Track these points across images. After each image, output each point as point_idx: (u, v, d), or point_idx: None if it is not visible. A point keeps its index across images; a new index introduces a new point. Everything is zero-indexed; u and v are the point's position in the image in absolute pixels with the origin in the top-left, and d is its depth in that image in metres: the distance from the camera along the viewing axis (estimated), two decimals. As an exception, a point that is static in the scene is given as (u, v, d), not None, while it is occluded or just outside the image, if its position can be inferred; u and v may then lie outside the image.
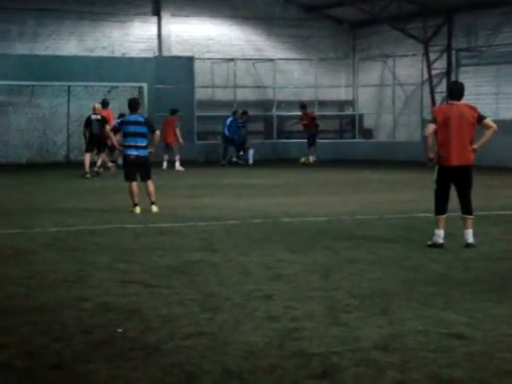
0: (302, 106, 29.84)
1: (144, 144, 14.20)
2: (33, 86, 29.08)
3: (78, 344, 5.88)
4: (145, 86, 29.94)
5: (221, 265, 9.06)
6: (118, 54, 30.87)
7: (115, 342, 5.94)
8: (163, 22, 31.66)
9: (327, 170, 25.76)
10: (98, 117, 22.67)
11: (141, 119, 14.38)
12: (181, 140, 26.58)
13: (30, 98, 29.17)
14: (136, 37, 31.45)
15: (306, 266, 8.94)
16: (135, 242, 10.82)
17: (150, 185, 14.20)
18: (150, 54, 31.11)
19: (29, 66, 28.49)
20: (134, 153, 14.12)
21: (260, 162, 28.15)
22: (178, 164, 26.17)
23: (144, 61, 30.40)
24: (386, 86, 33.10)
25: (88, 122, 22.87)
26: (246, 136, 28.81)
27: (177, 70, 30.37)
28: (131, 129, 14.15)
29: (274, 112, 33.14)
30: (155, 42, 31.67)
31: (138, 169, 14.23)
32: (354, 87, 34.81)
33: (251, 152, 28.42)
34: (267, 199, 16.50)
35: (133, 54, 30.95)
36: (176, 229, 12.09)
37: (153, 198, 14.19)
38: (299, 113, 30.10)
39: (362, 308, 6.96)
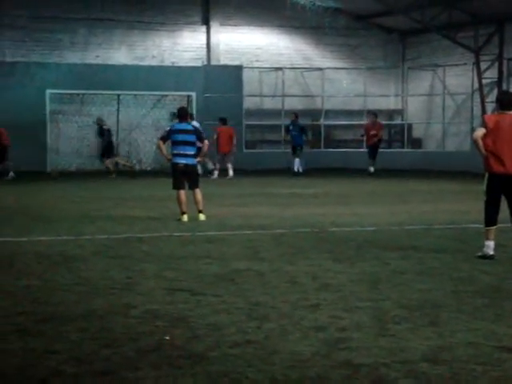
0: (374, 113, 29.10)
1: (192, 152, 14.28)
2: (83, 94, 29.43)
3: (126, 351, 5.91)
4: (193, 94, 30.13)
5: (268, 274, 9.04)
6: (167, 63, 31.12)
7: (162, 349, 5.96)
8: (212, 31, 31.84)
9: (375, 180, 25.62)
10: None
11: (190, 127, 14.47)
12: (234, 149, 26.76)
13: (81, 107, 29.54)
14: (185, 46, 31.67)
15: (353, 276, 8.88)
16: (183, 249, 10.86)
17: (198, 193, 14.28)
18: (198, 63, 31.29)
19: (79, 74, 28.90)
20: (182, 161, 14.19)
21: (307, 171, 28.10)
22: (231, 172, 26.28)
23: (193, 70, 30.59)
24: (436, 96, 32.86)
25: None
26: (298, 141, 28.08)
27: (225, 78, 30.50)
28: (180, 137, 14.20)
29: (322, 121, 33.07)
30: (204, 51, 31.85)
31: (186, 177, 14.28)
32: (403, 96, 34.62)
33: (297, 160, 28.14)
34: (314, 208, 16.45)
35: (182, 63, 31.17)
36: (223, 237, 12.11)
37: (200, 207, 14.24)
38: (364, 122, 29.68)
39: (411, 319, 6.88)
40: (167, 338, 6.26)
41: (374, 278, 8.78)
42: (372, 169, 27.90)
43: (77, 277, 8.80)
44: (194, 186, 14.32)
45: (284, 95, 32.45)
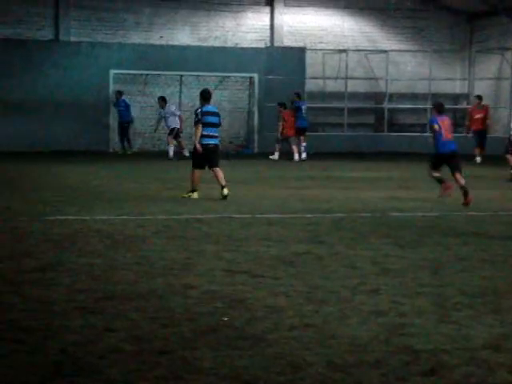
0: (479, 96, 27.32)
1: (217, 134, 14.86)
2: (146, 75, 29.62)
3: (185, 331, 5.93)
4: (255, 76, 30.10)
5: (327, 257, 8.98)
6: (230, 44, 31.12)
7: (221, 330, 5.96)
8: (276, 12, 31.70)
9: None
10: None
11: (216, 110, 15.11)
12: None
13: (143, 87, 29.73)
14: (248, 27, 31.61)
15: (414, 262, 8.77)
16: (242, 231, 10.86)
17: (220, 171, 14.62)
18: (261, 45, 31.22)
19: (143, 55, 29.08)
20: (212, 142, 14.69)
21: (370, 155, 27.87)
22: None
23: (255, 51, 30.54)
24: (504, 80, 32.22)
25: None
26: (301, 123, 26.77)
27: (288, 60, 30.38)
28: (211, 119, 14.67)
29: (386, 105, 32.74)
30: (267, 32, 31.75)
31: (211, 157, 14.66)
32: (469, 80, 34.05)
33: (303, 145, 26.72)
34: (376, 192, 16.31)
35: (245, 45, 31.13)
36: (283, 220, 12.08)
37: (223, 182, 14.53)
38: (464, 106, 28.61)
39: (473, 306, 6.77)
40: (225, 319, 6.26)
41: (436, 263, 8.66)
42: (479, 159, 25.86)
43: (137, 256, 8.86)
44: (216, 164, 14.73)
45: (347, 77, 32.18)
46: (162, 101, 26.57)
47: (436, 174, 15.06)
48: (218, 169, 14.64)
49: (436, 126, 14.81)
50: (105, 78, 28.59)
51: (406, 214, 12.91)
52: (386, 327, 6.07)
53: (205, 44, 30.71)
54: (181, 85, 30.05)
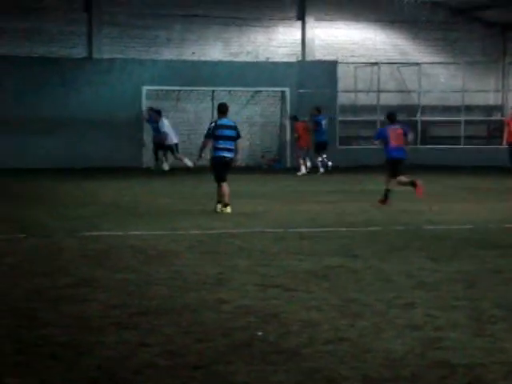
0: None
1: (233, 147, 14.83)
2: (179, 90, 29.76)
3: (219, 345, 5.92)
4: (287, 90, 30.11)
5: (361, 271, 8.94)
6: (261, 58, 31.18)
7: (255, 344, 5.95)
8: (307, 26, 31.73)
9: (473, 177, 25.10)
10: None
11: (232, 123, 15.05)
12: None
13: (176, 103, 29.86)
14: (280, 41, 31.67)
15: (448, 275, 8.70)
16: (275, 245, 10.85)
17: (226, 186, 14.65)
18: (293, 59, 31.24)
19: (175, 71, 29.21)
20: (227, 155, 14.78)
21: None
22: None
23: (287, 65, 30.56)
24: (538, 91, 31.94)
25: None
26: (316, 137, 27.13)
27: (320, 74, 30.35)
28: (226, 132, 14.76)
29: (419, 117, 32.60)
30: (299, 46, 31.78)
31: (225, 169, 14.78)
32: (503, 92, 33.81)
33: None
34: (409, 205, 16.21)
35: (276, 59, 31.17)
36: (316, 234, 12.05)
37: (227, 199, 14.60)
38: (498, 117, 28.11)
39: (508, 319, 6.70)
40: (259, 333, 6.25)
41: (471, 276, 8.59)
42: None
43: (170, 271, 8.89)
44: (226, 178, 14.75)
45: (379, 91, 32.10)
46: (157, 114, 27.10)
47: (404, 180, 16.53)
48: (226, 183, 14.70)
49: (378, 141, 17.03)
50: (137, 95, 28.77)
51: (440, 227, 12.82)
52: (422, 341, 6.02)
53: (236, 59, 30.80)
54: (213, 100, 30.12)
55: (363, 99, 32.59)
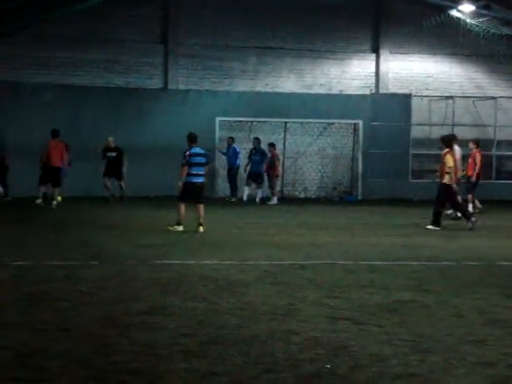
0: None
1: (204, 172, 16.90)
2: (252, 121, 29.96)
3: (287, 377, 5.91)
4: (360, 122, 30.05)
5: (433, 306, 8.82)
6: (334, 91, 31.20)
7: (323, 377, 5.92)
8: (381, 59, 31.67)
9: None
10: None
11: (203, 151, 17.06)
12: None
13: (249, 134, 30.05)
14: (353, 74, 31.66)
15: (523, 312, 8.52)
16: (345, 278, 10.79)
17: (202, 208, 16.59)
18: (366, 91, 31.19)
19: (248, 102, 29.44)
20: (200, 180, 16.81)
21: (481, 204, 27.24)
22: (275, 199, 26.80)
23: (360, 98, 30.52)
24: None
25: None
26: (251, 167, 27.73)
27: (393, 107, 30.24)
28: (198, 159, 16.76)
29: (494, 151, 32.13)
30: (372, 79, 31.72)
31: (198, 193, 16.70)
32: None
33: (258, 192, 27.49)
34: (483, 241, 15.96)
35: (349, 91, 31.16)
36: (387, 267, 11.94)
37: (202, 220, 16.54)
38: None
39: None
40: (328, 366, 6.21)
41: (546, 315, 8.39)
42: None
43: (240, 301, 8.91)
44: (201, 201, 16.71)
45: (454, 124, 31.75)
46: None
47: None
48: (202, 205, 16.56)
49: None
50: (211, 125, 29.04)
51: (514, 264, 12.58)
52: (494, 379, 5.90)
53: (310, 91, 30.90)
54: (285, 131, 30.26)
55: (437, 133, 32.24)
